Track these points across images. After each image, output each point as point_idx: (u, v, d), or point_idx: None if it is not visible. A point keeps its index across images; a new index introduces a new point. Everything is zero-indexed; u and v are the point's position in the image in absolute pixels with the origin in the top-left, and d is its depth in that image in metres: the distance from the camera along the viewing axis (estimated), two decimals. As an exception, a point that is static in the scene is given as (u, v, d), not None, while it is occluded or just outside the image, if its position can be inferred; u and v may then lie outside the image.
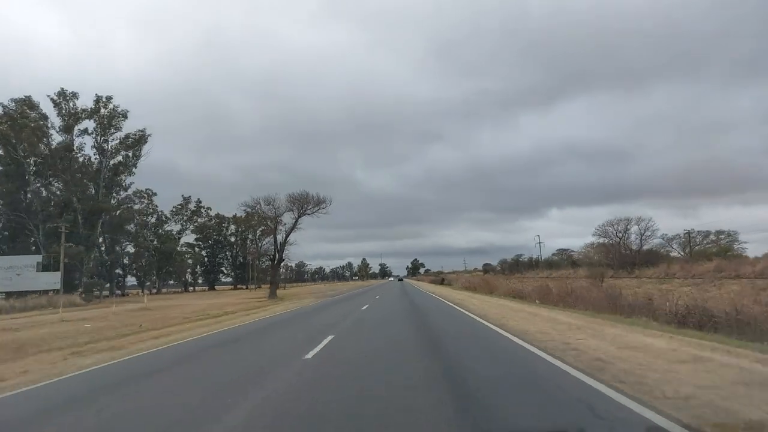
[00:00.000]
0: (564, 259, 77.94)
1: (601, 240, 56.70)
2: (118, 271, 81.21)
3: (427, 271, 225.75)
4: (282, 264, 54.25)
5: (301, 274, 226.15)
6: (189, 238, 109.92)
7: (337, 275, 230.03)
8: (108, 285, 73.85)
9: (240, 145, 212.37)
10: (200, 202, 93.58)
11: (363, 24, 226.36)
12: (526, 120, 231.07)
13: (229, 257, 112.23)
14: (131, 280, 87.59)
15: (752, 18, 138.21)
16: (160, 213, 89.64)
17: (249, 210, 37.35)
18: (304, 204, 39.93)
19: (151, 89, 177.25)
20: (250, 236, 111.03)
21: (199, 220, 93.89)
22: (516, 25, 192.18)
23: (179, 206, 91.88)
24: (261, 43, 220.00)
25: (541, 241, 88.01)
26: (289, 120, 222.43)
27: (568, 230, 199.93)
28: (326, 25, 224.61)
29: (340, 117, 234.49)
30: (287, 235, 39.29)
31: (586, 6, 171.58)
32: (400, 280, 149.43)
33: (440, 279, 55.67)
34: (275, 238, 40.70)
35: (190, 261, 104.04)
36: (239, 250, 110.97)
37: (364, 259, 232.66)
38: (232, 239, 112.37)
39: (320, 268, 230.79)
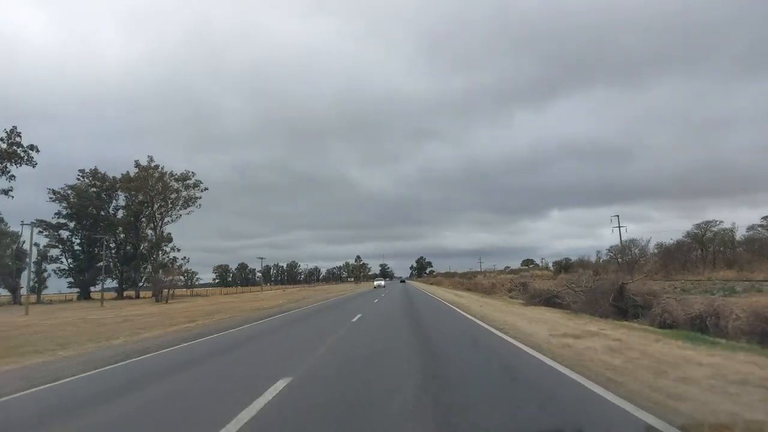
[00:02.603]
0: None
1: None
2: None
3: (431, 272, 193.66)
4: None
5: (293, 275, 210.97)
6: (45, 211, 66.14)
7: (334, 276, 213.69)
8: None
9: (231, 143, 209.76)
10: (15, 131, 47.63)
11: (352, 18, 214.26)
12: (522, 117, 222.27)
13: (112, 247, 67.09)
14: None
15: (754, 11, 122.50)
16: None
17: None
18: None
19: (139, 86, 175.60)
20: (148, 210, 65.91)
21: (13, 166, 47.95)
22: (509, 18, 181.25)
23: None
24: (249, 38, 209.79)
25: (621, 225, 45.62)
26: (280, 117, 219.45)
27: (571, 231, 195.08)
28: (315, 20, 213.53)
29: (333, 114, 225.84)
30: None
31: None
32: (403, 281, 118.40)
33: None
34: None
35: (33, 253, 58.88)
36: (130, 234, 66.02)
37: (358, 257, 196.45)
38: (120, 215, 67.35)
39: (315, 268, 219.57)
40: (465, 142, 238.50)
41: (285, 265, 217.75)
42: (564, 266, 62.68)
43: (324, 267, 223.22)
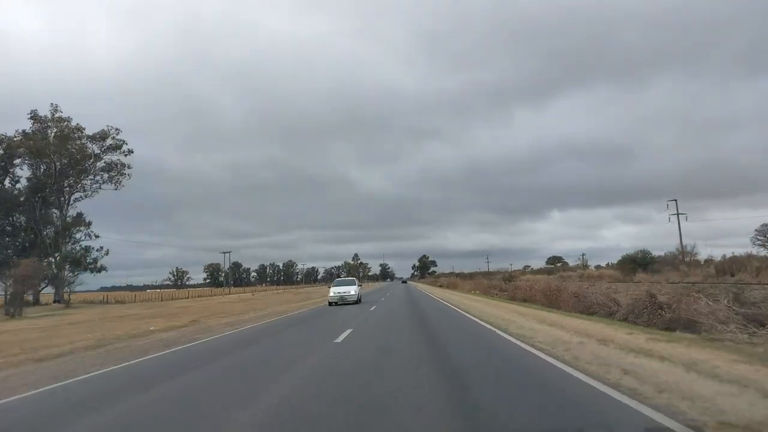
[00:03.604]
0: None
1: None
2: None
3: (433, 272, 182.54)
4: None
5: (290, 275, 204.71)
6: None
7: (332, 276, 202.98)
8: None
9: (227, 141, 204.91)
10: None
11: (349, 15, 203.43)
12: (522, 116, 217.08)
13: (9, 231, 48.55)
14: None
15: (754, 9, 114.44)
16: None
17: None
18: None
19: (131, 83, 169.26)
20: (55, 182, 47.42)
21: None
22: (508, 15, 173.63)
23: None
24: (245, 36, 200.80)
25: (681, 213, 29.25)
26: (278, 116, 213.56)
27: (571, 232, 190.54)
28: (312, 17, 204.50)
29: (331, 113, 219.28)
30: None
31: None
32: (404, 282, 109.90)
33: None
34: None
35: None
36: (32, 215, 47.58)
37: (355, 255, 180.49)
38: (21, 185, 48.87)
39: (312, 268, 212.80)
40: (465, 142, 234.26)
41: (281, 265, 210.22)
42: (641, 262, 43.93)
43: (325, 267, 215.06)
